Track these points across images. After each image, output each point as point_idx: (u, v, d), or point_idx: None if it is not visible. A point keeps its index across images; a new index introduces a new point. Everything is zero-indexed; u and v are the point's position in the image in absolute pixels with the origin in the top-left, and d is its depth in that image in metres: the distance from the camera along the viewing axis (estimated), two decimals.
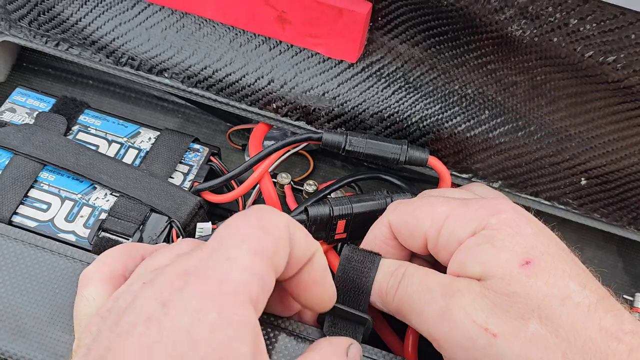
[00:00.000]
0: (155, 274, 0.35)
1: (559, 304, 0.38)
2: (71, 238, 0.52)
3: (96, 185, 0.55)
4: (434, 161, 0.52)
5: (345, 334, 0.44)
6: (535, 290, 0.38)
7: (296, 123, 0.57)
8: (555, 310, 0.37)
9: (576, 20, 0.46)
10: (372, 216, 0.50)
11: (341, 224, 0.50)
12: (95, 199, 0.54)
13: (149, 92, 0.64)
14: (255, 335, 0.33)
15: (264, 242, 0.35)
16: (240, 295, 0.33)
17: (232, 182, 0.56)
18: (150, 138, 0.58)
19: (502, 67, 0.51)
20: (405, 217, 0.45)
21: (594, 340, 0.36)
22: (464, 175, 0.56)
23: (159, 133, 0.58)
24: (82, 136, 0.57)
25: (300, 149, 0.60)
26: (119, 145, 0.57)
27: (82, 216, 0.53)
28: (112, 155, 0.56)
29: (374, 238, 0.47)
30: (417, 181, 0.59)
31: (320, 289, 0.40)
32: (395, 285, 0.43)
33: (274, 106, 0.57)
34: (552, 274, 0.39)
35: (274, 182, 0.58)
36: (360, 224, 0.50)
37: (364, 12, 0.50)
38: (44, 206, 0.54)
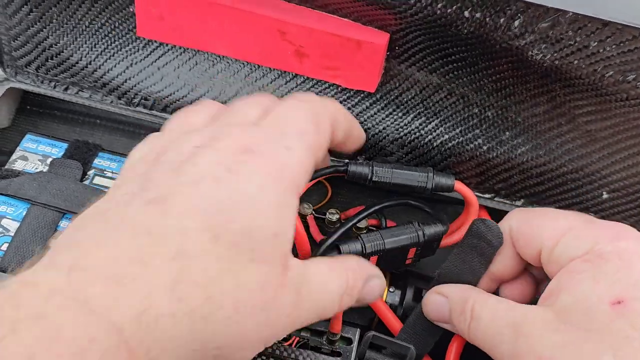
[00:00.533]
0: (210, 138, 0.38)
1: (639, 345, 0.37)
2: None
3: None
4: (460, 186, 0.52)
5: None
6: (618, 330, 0.37)
7: None
8: (635, 350, 0.37)
9: (596, 43, 0.47)
10: (404, 250, 0.50)
11: (373, 260, 0.50)
12: None
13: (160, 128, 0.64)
14: (295, 220, 0.38)
15: (317, 139, 0.41)
16: (295, 184, 0.38)
17: None
18: None
19: (522, 89, 0.51)
20: (526, 226, 0.46)
21: None
22: (487, 195, 0.56)
23: None
24: (99, 180, 0.57)
25: (320, 178, 0.60)
26: None
27: None
28: None
29: None
30: (442, 202, 0.60)
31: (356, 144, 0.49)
32: (466, 327, 0.43)
33: None
34: None
35: None
36: (391, 257, 0.50)
37: (382, 43, 0.51)
38: None
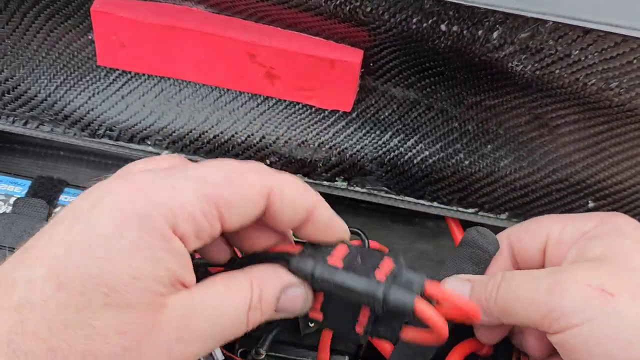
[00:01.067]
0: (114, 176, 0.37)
1: None
2: None
3: None
4: (422, 308, 0.36)
5: None
6: None
7: None
8: None
9: (577, 51, 0.46)
10: (355, 305, 0.39)
11: (318, 298, 0.40)
12: None
13: (128, 157, 0.61)
14: (176, 263, 0.34)
15: (221, 192, 0.35)
16: (168, 226, 0.33)
17: None
18: None
19: (502, 101, 0.50)
20: (527, 226, 0.46)
21: None
22: (470, 210, 0.55)
23: None
24: None
25: None
26: None
27: None
28: None
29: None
30: (418, 216, 0.58)
31: (326, 236, 0.40)
32: (495, 288, 0.41)
33: (268, 162, 0.54)
34: None
35: None
36: (339, 309, 0.40)
37: (356, 61, 0.49)
38: None
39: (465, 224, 0.54)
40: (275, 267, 0.39)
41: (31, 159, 0.59)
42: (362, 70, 0.50)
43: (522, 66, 0.47)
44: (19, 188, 0.55)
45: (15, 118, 0.55)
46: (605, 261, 0.39)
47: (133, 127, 0.54)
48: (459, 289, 0.44)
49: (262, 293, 0.37)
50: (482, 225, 0.54)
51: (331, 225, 0.40)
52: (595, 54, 0.46)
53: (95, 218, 0.33)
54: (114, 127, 0.54)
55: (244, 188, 0.36)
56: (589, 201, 0.53)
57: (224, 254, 0.42)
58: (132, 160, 0.57)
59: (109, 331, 0.32)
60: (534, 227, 0.46)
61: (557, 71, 0.47)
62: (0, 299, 0.32)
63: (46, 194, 0.55)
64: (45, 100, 0.54)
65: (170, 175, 0.35)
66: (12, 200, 0.54)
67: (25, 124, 0.55)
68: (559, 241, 0.43)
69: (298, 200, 0.38)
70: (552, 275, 0.40)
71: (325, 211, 0.39)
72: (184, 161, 0.40)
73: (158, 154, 0.55)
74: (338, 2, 0.46)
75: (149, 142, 0.55)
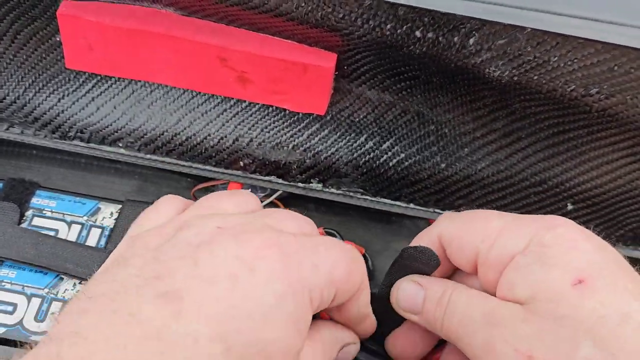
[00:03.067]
0: (237, 226, 0.36)
1: (616, 325, 0.33)
2: None
3: (63, 276, 0.50)
4: None
5: None
6: (589, 311, 0.34)
7: (267, 178, 0.53)
8: (612, 332, 0.33)
9: (556, 58, 0.43)
10: None
11: None
12: (65, 292, 0.50)
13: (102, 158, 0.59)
14: (307, 334, 0.36)
15: (343, 280, 0.37)
16: (312, 301, 0.35)
17: None
18: (112, 213, 0.53)
19: (479, 105, 0.48)
20: (457, 230, 0.42)
21: None
22: (447, 212, 0.53)
23: (120, 206, 0.53)
24: (38, 221, 0.52)
25: (274, 199, 0.56)
26: (79, 226, 0.52)
27: (53, 313, 0.49)
28: (74, 239, 0.51)
29: None
30: (396, 215, 0.56)
31: (359, 326, 0.42)
32: (441, 316, 0.40)
33: (242, 164, 0.52)
34: (611, 292, 0.34)
35: None
36: None
37: (330, 65, 0.46)
38: (10, 308, 0.49)
39: None
40: (337, 327, 0.41)
41: (3, 158, 0.57)
42: (336, 73, 0.48)
43: (499, 72, 0.45)
44: None
45: None
46: (533, 312, 0.36)
47: (104, 129, 0.52)
48: (412, 294, 0.43)
49: (331, 354, 0.40)
50: None
51: (368, 332, 0.44)
52: (575, 60, 0.43)
53: (257, 282, 0.33)
54: (85, 129, 0.52)
55: (355, 279, 0.38)
56: (568, 204, 0.51)
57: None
58: (104, 159, 0.56)
59: None
60: (463, 237, 0.41)
61: (535, 77, 0.45)
62: (164, 356, 0.30)
63: (17, 197, 0.53)
64: (15, 102, 0.51)
65: (309, 251, 0.36)
66: None
67: None
68: (487, 264, 0.39)
69: (366, 305, 0.41)
70: (486, 328, 0.37)
71: (372, 324, 0.43)
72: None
73: (130, 156, 0.52)
74: (310, 8, 0.43)
75: (120, 144, 0.52)
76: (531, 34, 0.42)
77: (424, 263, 0.43)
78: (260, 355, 0.32)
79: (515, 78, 0.45)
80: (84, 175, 0.57)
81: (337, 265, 0.37)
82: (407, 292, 0.43)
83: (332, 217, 0.58)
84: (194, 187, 0.57)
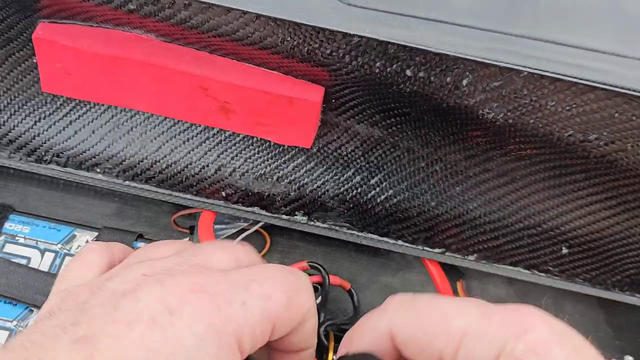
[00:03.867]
0: (163, 270, 0.34)
1: None
2: None
3: (32, 309, 0.47)
4: None
5: None
6: None
7: (249, 209, 0.50)
8: None
9: (554, 102, 0.41)
10: None
11: None
12: None
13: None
14: None
15: (280, 314, 0.34)
16: (238, 343, 0.32)
17: None
18: (87, 241, 0.50)
19: (472, 144, 0.45)
20: (414, 329, 0.35)
21: None
22: (436, 250, 0.50)
23: (97, 233, 0.50)
24: (10, 248, 0.50)
25: (258, 227, 0.54)
26: (53, 255, 0.50)
27: None
28: (47, 268, 0.49)
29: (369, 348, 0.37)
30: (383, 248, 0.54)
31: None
32: None
33: (224, 194, 0.50)
34: None
35: None
36: None
37: (317, 100, 0.44)
38: None
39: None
40: None
41: None
42: (324, 105, 0.45)
43: (494, 114, 0.42)
44: None
45: None
46: None
47: (82, 154, 0.49)
48: None
49: None
50: (451, 265, 0.51)
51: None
52: (574, 106, 0.41)
53: (177, 324, 0.31)
54: (62, 153, 0.49)
55: (298, 310, 0.35)
56: (563, 247, 0.49)
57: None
58: (82, 184, 0.53)
59: None
60: (424, 339, 0.35)
61: (531, 121, 0.42)
62: None
63: None
64: None
65: (240, 287, 0.33)
66: None
67: None
68: None
69: (313, 331, 0.37)
70: None
71: (312, 356, 0.39)
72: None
73: (108, 182, 0.50)
74: (295, 42, 0.41)
75: (98, 170, 0.50)
76: (528, 77, 0.40)
77: None
78: None
79: (511, 121, 0.42)
80: (62, 197, 0.54)
81: (272, 298, 0.34)
82: None
83: (317, 247, 0.55)
84: (174, 212, 0.54)
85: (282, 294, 0.34)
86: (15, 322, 0.47)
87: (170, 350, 0.30)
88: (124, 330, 0.30)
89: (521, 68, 0.39)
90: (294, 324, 0.35)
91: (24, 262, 0.49)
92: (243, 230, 0.54)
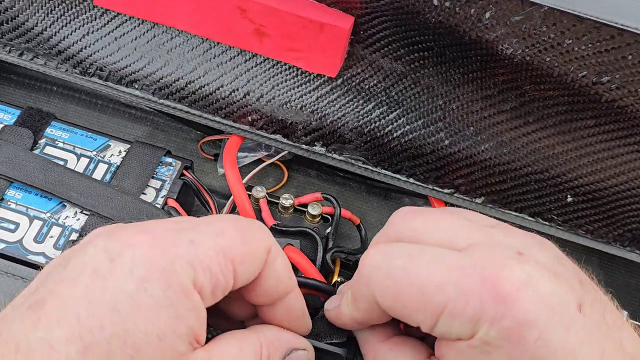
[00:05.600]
0: (120, 225, 0.32)
1: None
2: (41, 260, 0.45)
3: (66, 204, 0.47)
4: None
5: None
6: None
7: (272, 137, 0.50)
8: None
9: (571, 40, 0.40)
10: None
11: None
12: (65, 218, 0.47)
13: (117, 99, 0.56)
14: (195, 320, 0.30)
15: (237, 247, 0.32)
16: (188, 281, 0.30)
17: (207, 197, 0.49)
18: (120, 151, 0.50)
19: (490, 84, 0.44)
20: (393, 302, 0.33)
21: None
22: (446, 191, 0.49)
23: (129, 146, 0.50)
24: (49, 150, 0.50)
25: (276, 160, 0.53)
26: (88, 160, 0.50)
27: (52, 236, 0.46)
28: (82, 171, 0.49)
29: (357, 315, 0.36)
30: (394, 191, 0.53)
31: (292, 326, 0.36)
32: None
33: (250, 119, 0.49)
34: None
35: (249, 195, 0.50)
36: None
37: (346, 27, 0.43)
38: (12, 226, 0.46)
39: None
40: (282, 330, 0.36)
41: (25, 90, 0.55)
42: (352, 37, 0.45)
43: (512, 50, 0.41)
44: (8, 116, 0.51)
45: (12, 48, 0.50)
46: None
47: (123, 69, 0.49)
48: None
49: (270, 355, 0.34)
50: (458, 206, 0.50)
51: (300, 317, 0.37)
52: (589, 45, 0.40)
53: (117, 274, 0.29)
54: (105, 67, 0.49)
55: (256, 243, 0.33)
56: (568, 195, 0.47)
57: (246, 310, 0.37)
58: (120, 102, 0.53)
59: None
60: (404, 310, 0.33)
61: (548, 59, 0.41)
62: None
63: (33, 125, 0.50)
64: (42, 33, 0.49)
65: (186, 228, 0.31)
66: (0, 127, 0.50)
67: (21, 55, 0.50)
68: (431, 333, 0.33)
69: (286, 270, 0.35)
70: None
71: (299, 300, 0.36)
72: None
73: (144, 99, 0.50)
74: None
75: (136, 86, 0.50)
76: (548, 12, 0.39)
77: None
78: (127, 347, 0.28)
79: (528, 58, 0.42)
80: (98, 116, 0.55)
81: (223, 233, 0.32)
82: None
83: (331, 186, 0.55)
84: (200, 139, 0.54)
85: (235, 230, 0.32)
86: (49, 214, 0.47)
87: (111, 299, 0.29)
88: (69, 287, 0.29)
89: (541, 2, 0.39)
90: (257, 261, 0.33)
91: (61, 163, 0.49)
92: (262, 161, 0.53)
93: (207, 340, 0.32)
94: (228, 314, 0.37)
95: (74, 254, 0.31)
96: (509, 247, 0.33)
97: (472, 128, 0.46)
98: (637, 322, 0.50)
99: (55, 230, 0.46)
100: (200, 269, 0.30)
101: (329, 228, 0.50)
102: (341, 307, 0.37)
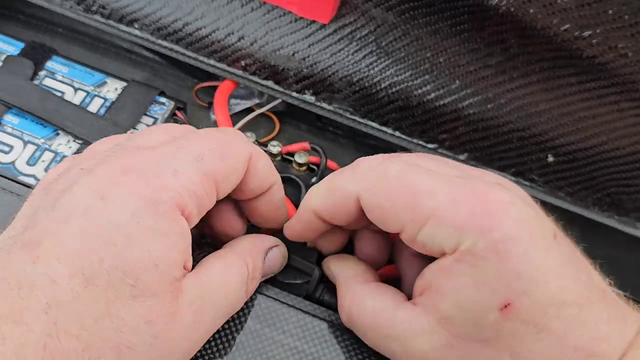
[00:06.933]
0: (96, 160, 0.34)
1: (533, 340, 0.32)
2: (32, 182, 0.49)
3: (60, 132, 0.51)
4: None
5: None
6: (511, 333, 0.32)
7: (264, 82, 0.53)
8: (529, 347, 0.32)
9: None
10: None
11: None
12: (58, 145, 0.50)
13: (118, 43, 0.60)
14: (185, 245, 0.33)
15: (217, 167, 0.34)
16: (177, 207, 0.33)
17: None
18: (116, 88, 0.53)
19: (476, 36, 0.47)
20: (381, 199, 0.35)
21: None
22: (430, 146, 0.52)
23: (125, 84, 0.53)
24: (48, 82, 0.53)
25: (266, 110, 0.56)
26: (84, 94, 0.53)
27: (43, 161, 0.49)
28: (78, 103, 0.52)
29: (334, 210, 0.38)
30: (382, 149, 0.55)
31: (273, 217, 0.40)
32: (350, 323, 0.38)
33: (243, 64, 0.52)
34: (533, 309, 0.32)
35: None
36: None
37: None
38: (7, 148, 0.50)
39: None
40: (254, 236, 0.39)
41: (32, 30, 0.59)
42: None
43: (497, 0, 0.44)
44: (12, 48, 0.54)
45: None
46: (456, 332, 0.33)
47: (124, 8, 0.52)
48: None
49: (253, 263, 0.38)
50: None
51: (279, 207, 0.41)
52: None
53: (109, 209, 0.31)
54: (107, 5, 0.53)
55: (235, 158, 0.36)
56: (549, 155, 0.49)
57: (238, 224, 0.41)
58: (119, 44, 0.57)
59: (138, 322, 0.31)
60: (390, 210, 0.35)
61: (531, 10, 0.43)
62: (25, 302, 0.30)
63: (35, 57, 0.54)
64: None
65: (169, 157, 0.34)
66: (3, 57, 0.54)
67: None
68: (413, 241, 0.35)
69: (267, 169, 0.38)
70: (400, 353, 0.35)
71: (280, 191, 0.40)
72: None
73: (143, 38, 0.53)
74: None
75: (136, 26, 0.53)
76: None
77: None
78: (127, 276, 0.31)
79: (512, 9, 0.44)
80: (100, 58, 0.59)
81: (201, 155, 0.34)
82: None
83: (321, 141, 0.57)
84: (195, 86, 0.57)
85: (212, 151, 0.35)
86: (43, 140, 0.50)
87: (106, 233, 0.31)
88: (62, 225, 0.31)
89: None
90: (237, 173, 0.36)
91: (58, 94, 0.52)
92: (254, 110, 0.56)
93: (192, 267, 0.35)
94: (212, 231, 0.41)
95: (60, 195, 0.33)
96: (492, 179, 0.36)
97: (457, 82, 0.49)
98: (620, 291, 0.51)
99: (48, 155, 0.50)
100: (186, 195, 0.33)
101: (314, 178, 0.53)
102: (310, 196, 0.39)
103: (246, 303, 0.39)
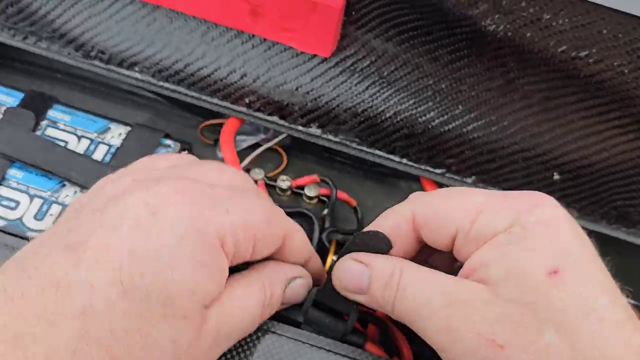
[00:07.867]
0: (152, 175, 0.36)
1: (582, 317, 0.33)
2: None
3: (66, 183, 0.53)
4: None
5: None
6: (558, 302, 0.34)
7: (269, 118, 0.55)
8: (577, 323, 0.33)
9: (549, 15, 0.46)
10: None
11: None
12: (65, 197, 0.52)
13: (119, 86, 0.62)
14: (222, 279, 0.36)
15: (262, 227, 0.37)
16: (220, 246, 0.35)
17: None
18: (120, 134, 0.56)
19: (476, 61, 0.50)
20: (434, 209, 0.39)
21: (619, 356, 0.32)
22: (438, 171, 0.54)
23: (129, 128, 0.56)
24: (51, 132, 0.55)
25: (274, 144, 0.58)
26: (88, 141, 0.55)
27: (51, 214, 0.51)
28: (82, 152, 0.54)
29: (390, 232, 0.40)
30: (390, 176, 0.58)
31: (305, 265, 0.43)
32: (391, 299, 0.38)
33: (247, 101, 0.55)
34: (582, 285, 0.34)
35: None
36: None
37: (337, 6, 0.49)
38: (13, 204, 0.52)
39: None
40: (279, 264, 0.41)
41: (30, 78, 0.61)
42: (345, 18, 0.51)
43: (495, 26, 0.47)
44: (11, 99, 0.57)
45: (16, 32, 0.56)
46: (499, 295, 0.35)
47: (123, 52, 0.55)
48: (356, 274, 0.40)
49: (273, 291, 0.39)
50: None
51: (320, 274, 0.44)
52: (566, 20, 0.46)
53: (159, 227, 0.33)
54: (106, 50, 0.55)
55: (277, 227, 0.39)
56: (555, 173, 0.53)
57: None
58: (121, 87, 0.59)
59: (164, 341, 0.33)
60: (440, 216, 0.38)
61: (528, 34, 0.47)
62: (61, 304, 0.31)
63: (36, 107, 0.56)
64: (45, 16, 0.55)
65: (224, 198, 0.36)
66: (3, 109, 0.56)
67: (25, 38, 0.56)
68: (467, 240, 0.37)
69: (303, 247, 0.42)
70: (446, 309, 0.36)
71: (317, 262, 0.44)
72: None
73: (144, 81, 0.56)
74: None
75: (136, 69, 0.56)
76: None
77: (376, 248, 0.40)
78: (162, 296, 0.32)
79: (510, 34, 0.47)
80: (101, 103, 0.61)
81: (252, 211, 0.37)
82: (350, 271, 0.41)
83: (329, 171, 0.60)
84: (200, 125, 0.60)
85: (262, 210, 0.38)
86: (49, 193, 0.52)
87: (152, 248, 0.33)
88: (110, 233, 0.33)
89: None
90: (274, 242, 0.39)
91: (62, 144, 0.54)
92: (261, 145, 0.59)
93: None
94: None
95: (109, 201, 0.35)
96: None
97: (460, 107, 0.52)
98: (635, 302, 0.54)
99: (55, 209, 0.52)
100: (229, 235, 0.35)
101: (325, 210, 0.55)
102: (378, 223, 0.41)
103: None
